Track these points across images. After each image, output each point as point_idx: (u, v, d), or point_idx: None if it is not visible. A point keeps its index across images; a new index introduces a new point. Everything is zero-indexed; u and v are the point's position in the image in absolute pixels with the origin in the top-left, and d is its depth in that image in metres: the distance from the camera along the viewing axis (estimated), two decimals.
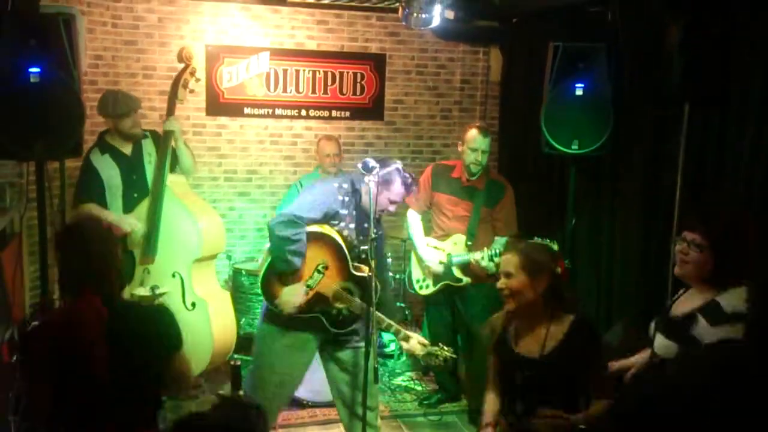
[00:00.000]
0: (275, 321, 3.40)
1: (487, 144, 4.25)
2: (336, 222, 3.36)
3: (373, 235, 3.17)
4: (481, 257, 4.12)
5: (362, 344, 3.44)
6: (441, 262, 4.30)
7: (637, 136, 4.12)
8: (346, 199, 3.38)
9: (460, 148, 4.34)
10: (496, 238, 4.25)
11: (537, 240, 2.60)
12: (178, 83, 4.20)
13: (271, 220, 3.35)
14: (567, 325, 2.46)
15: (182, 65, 4.26)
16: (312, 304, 3.33)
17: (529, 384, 2.46)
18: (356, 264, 3.32)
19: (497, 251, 4.07)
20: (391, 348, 5.31)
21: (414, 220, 4.53)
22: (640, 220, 4.10)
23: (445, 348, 3.29)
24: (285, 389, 3.48)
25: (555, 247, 3.69)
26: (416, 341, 3.32)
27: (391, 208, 3.40)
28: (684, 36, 3.27)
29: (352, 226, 3.38)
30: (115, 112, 4.08)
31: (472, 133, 4.25)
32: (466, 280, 4.29)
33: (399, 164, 3.40)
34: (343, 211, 3.36)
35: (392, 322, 3.33)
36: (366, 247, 3.27)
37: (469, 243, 4.27)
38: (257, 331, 3.64)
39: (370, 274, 3.15)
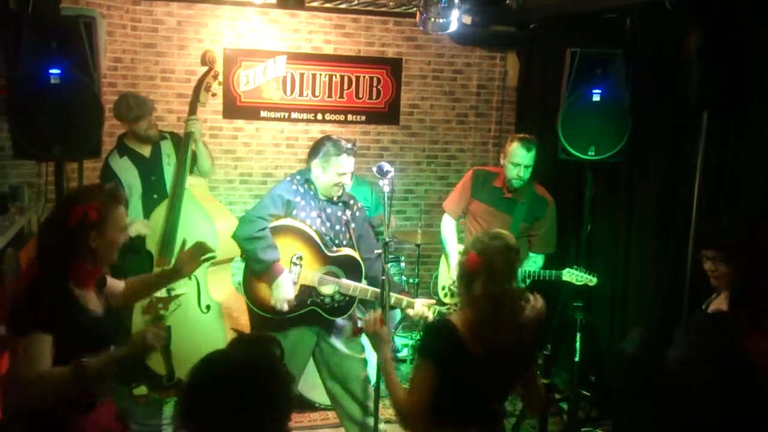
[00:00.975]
0: (267, 328, 3.40)
1: (530, 158, 3.98)
2: (296, 213, 3.38)
3: (387, 239, 3.18)
4: None
5: (349, 352, 3.49)
6: None
7: (654, 143, 4.10)
8: (301, 189, 3.40)
9: (502, 161, 4.12)
10: (530, 254, 4.14)
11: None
12: (200, 86, 4.22)
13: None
14: None
15: (205, 68, 4.28)
16: (303, 298, 3.35)
17: None
18: (332, 247, 3.33)
19: (528, 271, 4.01)
20: (404, 353, 5.30)
21: (448, 226, 4.32)
22: (657, 226, 4.07)
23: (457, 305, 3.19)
24: None
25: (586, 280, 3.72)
26: (421, 304, 3.27)
27: (345, 180, 3.37)
28: (703, 43, 3.25)
29: (314, 214, 3.40)
30: (128, 117, 4.12)
31: (514, 146, 4.00)
32: None
33: (332, 138, 3.39)
34: (298, 200, 3.37)
35: (392, 294, 3.28)
36: (339, 241, 3.33)
37: None
38: None
39: (383, 277, 3.12)
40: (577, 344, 4.02)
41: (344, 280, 3.33)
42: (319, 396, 4.31)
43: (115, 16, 5.14)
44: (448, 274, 4.33)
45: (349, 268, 3.36)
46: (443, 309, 3.24)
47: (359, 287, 3.33)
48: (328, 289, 3.35)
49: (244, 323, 4.29)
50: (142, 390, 3.93)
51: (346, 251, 3.40)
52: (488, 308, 2.27)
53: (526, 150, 3.98)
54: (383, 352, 2.53)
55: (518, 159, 3.98)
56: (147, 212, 4.15)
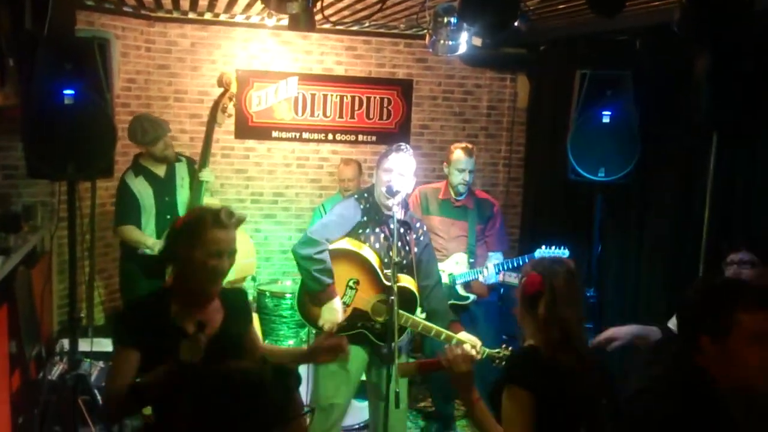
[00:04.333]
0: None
1: (472, 164, 4.33)
2: (361, 232, 3.39)
3: (397, 258, 3.17)
4: (487, 273, 4.19)
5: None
6: (445, 284, 4.19)
7: (665, 163, 4.09)
8: (368, 206, 3.41)
9: (445, 169, 4.42)
10: (490, 254, 4.36)
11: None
12: (217, 108, 4.29)
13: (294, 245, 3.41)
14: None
15: (221, 90, 4.34)
16: (353, 321, 3.36)
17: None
18: (390, 273, 3.20)
19: (500, 266, 4.18)
20: None
21: None
22: (668, 247, 4.05)
23: (508, 348, 3.16)
24: (335, 414, 3.47)
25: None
26: (470, 346, 3.18)
27: (392, 177, 3.29)
28: (712, 64, 3.25)
29: (378, 230, 3.40)
30: (144, 140, 4.19)
31: (458, 154, 4.33)
32: (472, 297, 4.30)
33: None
34: (365, 219, 3.38)
35: (440, 329, 3.29)
36: (398, 259, 3.20)
37: (471, 260, 4.32)
38: None
39: (392, 298, 3.10)
40: None
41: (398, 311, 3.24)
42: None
43: (130, 37, 5.21)
44: None
45: (403, 299, 3.28)
46: (492, 352, 3.21)
47: (411, 319, 3.31)
48: (380, 317, 3.34)
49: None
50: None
51: (404, 282, 3.34)
52: (556, 333, 2.18)
53: (468, 156, 4.31)
54: (470, 393, 2.27)
55: (462, 165, 4.30)
56: (160, 232, 4.20)
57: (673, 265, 3.97)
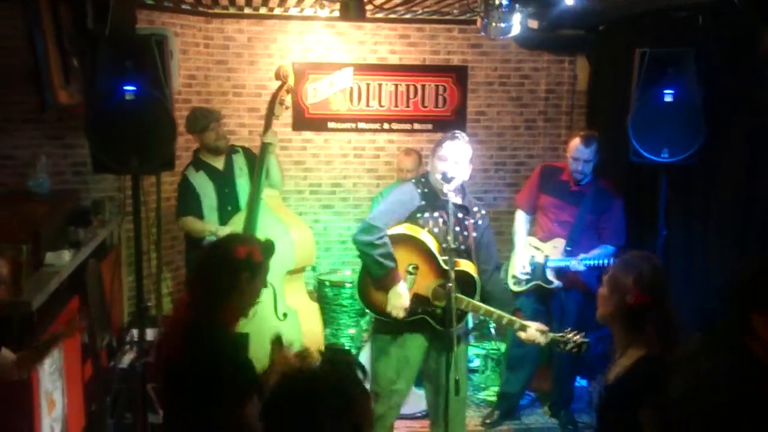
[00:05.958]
0: (383, 329, 3.48)
1: (589, 153, 4.18)
2: (420, 216, 3.39)
3: (452, 245, 3.16)
4: (575, 264, 4.08)
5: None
6: (537, 263, 4.27)
7: (730, 143, 3.93)
8: (426, 190, 3.41)
9: (567, 154, 4.31)
10: (601, 246, 4.19)
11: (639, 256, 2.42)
12: (275, 100, 4.35)
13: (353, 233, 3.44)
14: (633, 360, 2.24)
15: (279, 83, 4.40)
16: (414, 306, 3.36)
17: (598, 410, 2.36)
18: (447, 259, 3.19)
19: (595, 261, 4.04)
20: (476, 363, 5.23)
21: (519, 219, 4.49)
22: (736, 231, 3.90)
23: (573, 332, 3.14)
24: (395, 399, 3.50)
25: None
26: (534, 329, 3.24)
27: (447, 167, 3.26)
28: None
29: (436, 215, 3.38)
30: (196, 128, 4.29)
31: (575, 142, 4.21)
32: (556, 283, 4.24)
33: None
34: (421, 203, 3.39)
35: (503, 313, 3.28)
36: (456, 245, 3.21)
37: (569, 248, 4.20)
38: (372, 345, 3.70)
39: (450, 285, 3.11)
40: None
41: (458, 295, 3.24)
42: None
43: (189, 34, 5.33)
44: (512, 264, 4.43)
45: (463, 283, 3.28)
46: (557, 336, 3.18)
47: (471, 303, 3.30)
48: (440, 302, 3.34)
49: (317, 332, 4.36)
50: None
51: (463, 266, 3.33)
52: (671, 340, 2.17)
53: (585, 145, 4.17)
54: None
55: (578, 154, 4.18)
56: (223, 224, 4.28)
57: (741, 248, 3.82)
